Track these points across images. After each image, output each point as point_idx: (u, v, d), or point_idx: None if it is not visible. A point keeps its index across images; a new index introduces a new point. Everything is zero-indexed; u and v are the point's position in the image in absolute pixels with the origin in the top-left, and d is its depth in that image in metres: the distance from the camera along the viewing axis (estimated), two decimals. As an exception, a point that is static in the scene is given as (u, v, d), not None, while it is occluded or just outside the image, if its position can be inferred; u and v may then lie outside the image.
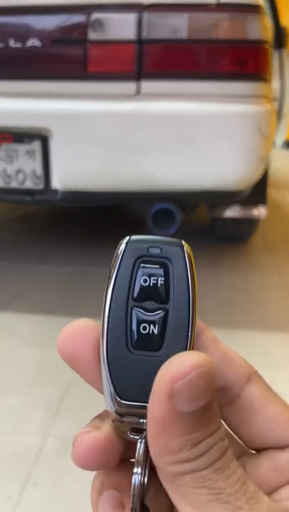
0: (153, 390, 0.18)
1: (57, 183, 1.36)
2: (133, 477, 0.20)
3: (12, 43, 1.25)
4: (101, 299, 0.21)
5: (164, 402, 0.18)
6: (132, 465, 0.20)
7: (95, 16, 1.21)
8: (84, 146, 1.30)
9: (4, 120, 1.29)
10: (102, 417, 0.22)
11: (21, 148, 1.34)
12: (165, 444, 0.18)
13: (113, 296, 0.21)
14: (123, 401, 0.20)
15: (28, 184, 1.37)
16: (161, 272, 0.21)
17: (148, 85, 1.25)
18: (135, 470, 0.20)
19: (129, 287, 0.21)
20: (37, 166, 1.35)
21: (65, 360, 0.22)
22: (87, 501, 0.22)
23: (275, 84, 2.09)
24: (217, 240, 2.11)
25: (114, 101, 1.27)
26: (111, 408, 0.21)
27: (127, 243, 0.22)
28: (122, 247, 0.22)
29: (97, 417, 0.22)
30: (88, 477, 0.22)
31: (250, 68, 1.24)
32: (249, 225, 1.99)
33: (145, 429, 0.20)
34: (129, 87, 1.26)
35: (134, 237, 0.22)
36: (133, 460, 0.20)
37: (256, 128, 1.26)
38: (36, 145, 1.33)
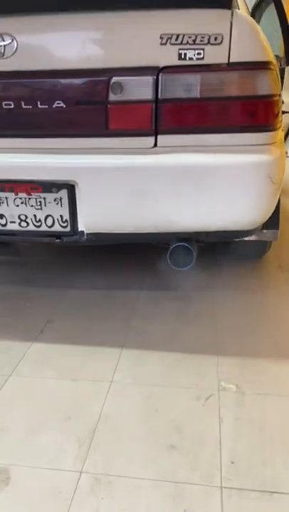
0: None
1: (82, 226, 1.48)
2: None
3: (40, 104, 1.36)
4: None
5: None
6: None
7: (115, 79, 1.31)
8: (106, 194, 1.41)
9: (34, 174, 1.41)
10: None
11: (50, 196, 1.46)
12: None
13: None
14: None
15: (57, 227, 1.50)
16: None
17: (164, 139, 1.36)
18: None
19: None
20: (64, 212, 1.47)
21: None
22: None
23: (287, 98, 2.16)
24: (231, 260, 2.21)
25: (133, 154, 1.38)
26: None
27: None
28: None
29: None
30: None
31: (259, 121, 1.34)
32: (262, 245, 2.09)
33: None
34: (147, 141, 1.36)
35: None
36: None
37: (267, 175, 1.35)
38: (63, 193, 1.45)
